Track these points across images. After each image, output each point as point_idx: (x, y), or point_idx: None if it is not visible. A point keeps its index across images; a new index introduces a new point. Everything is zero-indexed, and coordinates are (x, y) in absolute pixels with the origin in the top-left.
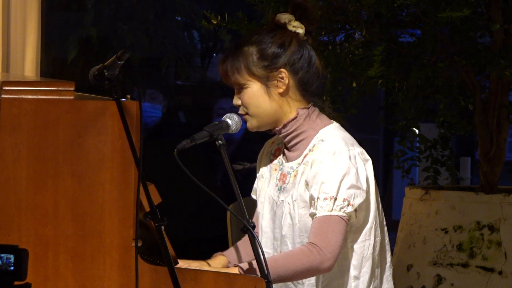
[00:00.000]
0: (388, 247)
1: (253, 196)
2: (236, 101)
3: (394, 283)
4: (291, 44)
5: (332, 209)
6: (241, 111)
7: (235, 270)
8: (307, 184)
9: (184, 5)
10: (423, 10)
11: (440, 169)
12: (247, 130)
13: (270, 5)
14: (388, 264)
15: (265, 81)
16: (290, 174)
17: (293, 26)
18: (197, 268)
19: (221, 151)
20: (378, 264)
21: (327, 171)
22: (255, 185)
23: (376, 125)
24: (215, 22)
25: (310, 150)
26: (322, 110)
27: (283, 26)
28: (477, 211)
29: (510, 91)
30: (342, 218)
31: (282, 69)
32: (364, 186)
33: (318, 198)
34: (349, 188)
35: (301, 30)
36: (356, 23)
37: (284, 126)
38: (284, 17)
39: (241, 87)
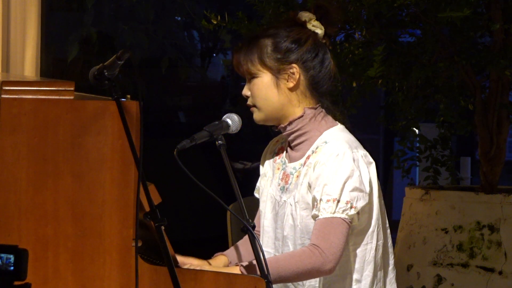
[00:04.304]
0: (391, 250)
1: (256, 194)
2: (246, 91)
3: None
4: (307, 42)
5: (334, 211)
6: (249, 102)
7: (236, 269)
8: (309, 186)
9: (184, 5)
10: (423, 10)
11: (440, 169)
12: (248, 130)
13: (270, 5)
14: (391, 267)
15: (276, 73)
16: (292, 174)
17: (313, 25)
18: (197, 268)
19: (221, 151)
20: (380, 267)
21: (330, 173)
22: (258, 184)
23: (376, 125)
24: (215, 22)
25: (313, 152)
26: (329, 111)
27: (302, 24)
28: (477, 211)
29: (510, 91)
30: (344, 221)
31: (294, 65)
32: (367, 189)
33: (320, 200)
34: (352, 190)
35: (320, 31)
36: (356, 23)
37: (290, 123)
38: (305, 15)
39: (252, 77)
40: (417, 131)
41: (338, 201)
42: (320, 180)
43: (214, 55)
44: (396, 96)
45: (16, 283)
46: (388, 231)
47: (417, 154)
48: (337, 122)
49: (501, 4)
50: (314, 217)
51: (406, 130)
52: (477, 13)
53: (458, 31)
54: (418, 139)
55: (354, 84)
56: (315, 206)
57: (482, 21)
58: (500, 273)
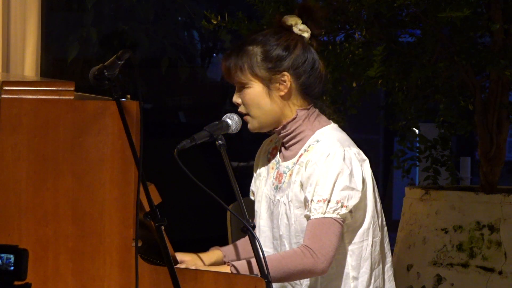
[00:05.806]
0: (388, 247)
1: (252, 197)
2: (236, 99)
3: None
4: (296, 47)
5: (325, 212)
6: (241, 110)
7: (226, 268)
8: (302, 185)
9: (184, 5)
10: (423, 10)
11: (440, 169)
12: (247, 130)
13: (270, 5)
14: (389, 264)
15: (268, 83)
16: (286, 173)
17: (299, 30)
18: (197, 268)
19: (221, 151)
20: (377, 264)
21: (321, 173)
22: (252, 186)
23: (376, 125)
24: (215, 22)
25: (305, 150)
26: (322, 111)
27: (288, 28)
28: (477, 211)
29: (510, 91)
30: (336, 220)
31: (285, 73)
32: (360, 187)
33: (312, 200)
34: (343, 189)
35: (306, 34)
36: (356, 23)
37: (284, 127)
38: (291, 20)
39: (242, 86)
40: (417, 131)
41: (329, 201)
42: (311, 180)
43: (214, 55)
44: (396, 96)
45: (16, 283)
46: (385, 228)
47: (417, 154)
48: (330, 121)
49: (501, 4)
50: (306, 217)
51: (406, 130)
52: (477, 13)
53: (458, 31)
54: (418, 139)
55: (354, 84)
56: (307, 206)
57: (482, 21)
58: (500, 273)
